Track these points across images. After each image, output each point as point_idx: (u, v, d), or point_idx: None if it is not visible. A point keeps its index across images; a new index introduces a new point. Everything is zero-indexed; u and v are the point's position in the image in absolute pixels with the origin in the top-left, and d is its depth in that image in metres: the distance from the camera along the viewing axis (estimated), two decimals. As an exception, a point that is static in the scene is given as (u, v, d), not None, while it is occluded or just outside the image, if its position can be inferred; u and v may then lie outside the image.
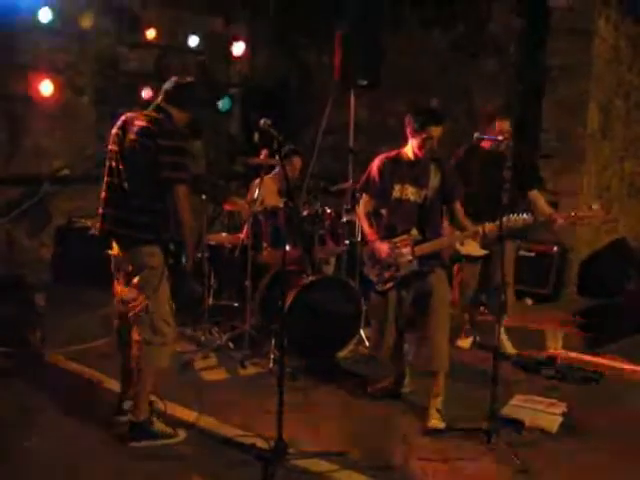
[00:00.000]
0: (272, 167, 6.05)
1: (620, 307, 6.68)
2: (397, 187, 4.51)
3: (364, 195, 4.71)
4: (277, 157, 4.00)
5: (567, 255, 7.60)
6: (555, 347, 6.05)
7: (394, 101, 8.56)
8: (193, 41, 7.81)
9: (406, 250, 4.45)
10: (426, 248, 4.45)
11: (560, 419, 4.49)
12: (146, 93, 7.24)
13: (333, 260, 6.03)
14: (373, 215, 4.69)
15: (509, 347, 5.68)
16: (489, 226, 4.38)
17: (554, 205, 7.12)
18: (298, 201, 5.88)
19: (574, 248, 7.69)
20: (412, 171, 4.50)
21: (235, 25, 8.66)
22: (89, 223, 6.61)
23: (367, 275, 4.66)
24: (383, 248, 4.48)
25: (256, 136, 5.94)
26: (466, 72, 8.27)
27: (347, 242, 5.97)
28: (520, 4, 8.07)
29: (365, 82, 6.55)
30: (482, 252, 4.74)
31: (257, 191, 5.60)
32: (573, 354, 5.90)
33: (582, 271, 7.89)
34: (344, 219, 5.89)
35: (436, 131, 4.36)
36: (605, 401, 4.95)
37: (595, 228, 7.98)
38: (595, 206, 4.63)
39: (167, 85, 4.09)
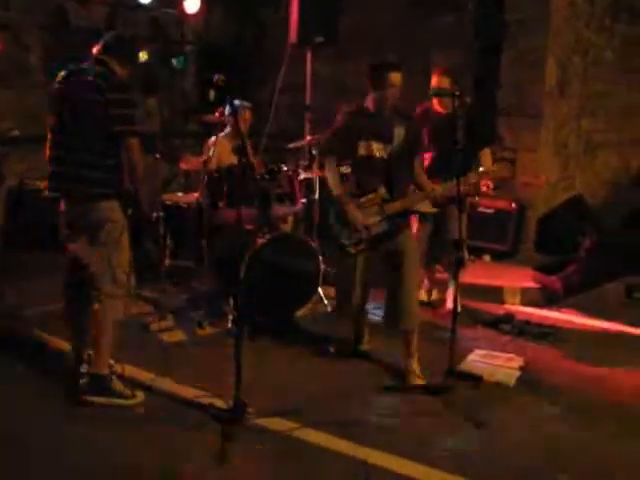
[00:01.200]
0: (225, 125, 5.91)
1: (578, 263, 6.74)
2: (362, 144, 4.39)
3: (329, 154, 4.57)
4: (229, 112, 3.90)
5: (525, 212, 7.64)
6: (513, 302, 6.11)
7: (351, 58, 8.46)
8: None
9: (375, 210, 4.38)
10: (395, 207, 4.38)
11: (517, 373, 4.54)
12: (96, 50, 7.04)
13: (291, 219, 5.96)
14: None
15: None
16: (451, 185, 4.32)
17: (512, 162, 7.17)
18: (252, 158, 5.77)
19: (532, 205, 7.73)
20: (376, 126, 4.39)
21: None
22: (42, 185, 6.43)
23: (337, 237, 4.51)
24: (354, 210, 4.37)
25: (211, 94, 5.80)
26: (424, 28, 8.18)
27: (304, 200, 5.91)
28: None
29: (322, 39, 6.42)
30: (434, 210, 4.67)
31: (212, 149, 5.49)
32: (531, 309, 5.97)
33: (539, 228, 7.95)
34: (301, 177, 5.82)
35: (396, 78, 4.28)
36: (561, 356, 5.02)
37: (553, 185, 8.03)
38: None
39: (107, 37, 3.98)
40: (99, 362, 3.98)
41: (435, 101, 5.40)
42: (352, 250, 4.46)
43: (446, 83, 5.21)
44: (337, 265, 4.95)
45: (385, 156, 4.39)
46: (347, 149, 4.44)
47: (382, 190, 4.38)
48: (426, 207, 4.56)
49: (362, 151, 4.40)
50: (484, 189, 5.00)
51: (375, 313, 5.22)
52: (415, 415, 3.99)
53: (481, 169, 4.72)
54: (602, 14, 9.39)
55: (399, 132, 4.40)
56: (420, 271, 5.69)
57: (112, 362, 4.10)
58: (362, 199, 4.41)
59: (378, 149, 4.38)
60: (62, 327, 4.36)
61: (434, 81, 5.29)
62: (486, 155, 5.41)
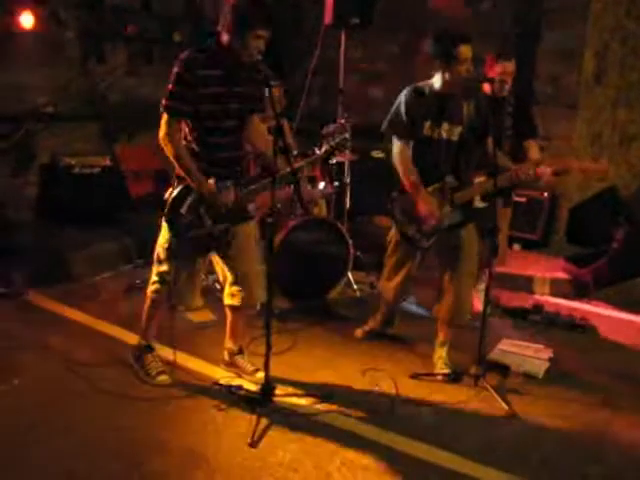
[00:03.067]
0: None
1: (609, 255, 6.67)
2: (428, 125, 4.12)
3: (395, 138, 4.22)
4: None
5: (557, 201, 7.55)
6: (543, 293, 6.06)
7: (386, 41, 8.41)
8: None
9: (445, 200, 4.17)
10: (465, 196, 4.19)
11: (546, 364, 4.51)
12: (131, 29, 7.07)
13: (323, 202, 5.95)
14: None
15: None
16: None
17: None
18: (289, 139, 5.74)
19: (565, 194, 7.64)
20: (444, 106, 4.09)
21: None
22: (73, 162, 6.48)
23: (404, 232, 4.30)
24: (428, 198, 4.13)
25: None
26: (460, 14, 8.07)
27: (336, 184, 5.89)
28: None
29: (357, 21, 6.37)
30: (483, 204, 4.46)
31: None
32: (561, 300, 5.92)
33: (571, 218, 7.86)
34: (333, 160, 5.79)
35: (467, 51, 3.92)
36: (591, 348, 4.99)
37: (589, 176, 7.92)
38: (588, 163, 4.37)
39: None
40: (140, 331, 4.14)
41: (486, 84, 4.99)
42: (424, 244, 4.27)
43: (511, 67, 4.88)
44: (391, 255, 4.54)
45: (455, 138, 4.13)
46: (412, 131, 4.14)
47: (450, 178, 4.16)
48: (478, 202, 4.38)
49: (428, 132, 4.11)
50: (549, 178, 4.61)
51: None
52: (443, 403, 3.98)
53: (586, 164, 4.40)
54: (643, 3, 9.22)
55: (469, 111, 4.13)
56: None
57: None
58: (429, 188, 4.17)
59: (447, 131, 4.11)
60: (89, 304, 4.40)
61: (501, 66, 4.87)
62: (532, 146, 5.03)
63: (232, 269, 3.97)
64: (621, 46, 8.59)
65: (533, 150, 5.01)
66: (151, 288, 3.98)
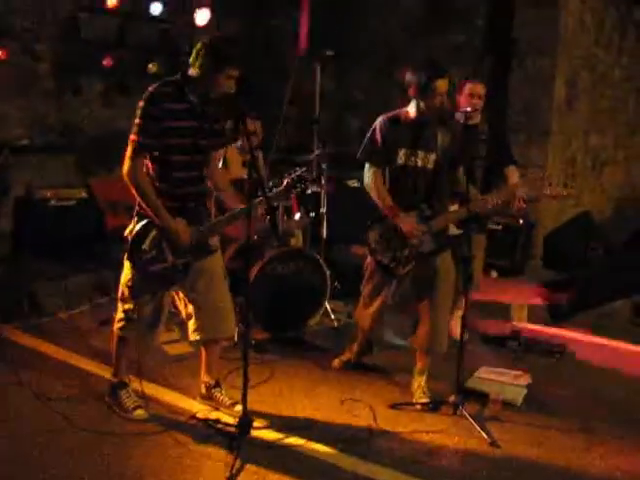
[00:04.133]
0: (236, 139, 5.91)
1: (584, 280, 6.73)
2: (403, 153, 4.15)
3: (368, 165, 4.26)
4: (240, 127, 3.89)
5: (533, 228, 7.63)
6: (520, 319, 6.09)
7: (359, 71, 8.50)
8: (156, 9, 7.61)
9: (421, 227, 4.16)
10: (440, 223, 4.20)
11: (524, 391, 4.52)
12: (107, 62, 7.08)
13: (299, 233, 5.95)
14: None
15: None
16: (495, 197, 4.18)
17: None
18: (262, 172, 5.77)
19: (540, 221, 7.72)
20: (419, 135, 4.13)
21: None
22: (49, 194, 6.45)
23: (380, 260, 4.28)
24: (409, 221, 4.13)
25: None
26: (434, 45, 8.18)
27: (312, 214, 5.90)
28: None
29: (332, 52, 6.45)
30: (458, 232, 4.47)
31: (221, 160, 5.49)
32: (538, 326, 5.95)
33: (547, 244, 7.94)
34: (309, 191, 5.80)
35: (443, 85, 3.99)
36: (568, 373, 5.01)
37: (560, 201, 8.01)
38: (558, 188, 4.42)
39: None
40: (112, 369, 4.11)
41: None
42: (400, 272, 4.26)
43: (480, 89, 4.91)
44: (367, 284, 4.54)
45: (430, 166, 4.16)
46: (386, 158, 4.19)
47: (425, 206, 4.18)
48: (453, 230, 4.37)
49: (403, 160, 4.15)
50: (520, 204, 4.65)
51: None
52: (422, 432, 3.97)
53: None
54: (610, 31, 9.42)
55: (443, 140, 4.17)
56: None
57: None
58: (411, 214, 4.19)
59: (422, 159, 4.14)
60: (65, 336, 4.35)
61: (469, 88, 4.91)
62: (513, 172, 5.10)
63: (199, 303, 3.95)
64: (591, 74, 8.76)
65: (514, 176, 5.07)
66: (117, 326, 3.96)
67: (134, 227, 3.73)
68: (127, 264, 3.79)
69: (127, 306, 3.87)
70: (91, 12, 6.99)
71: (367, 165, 4.28)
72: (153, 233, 3.69)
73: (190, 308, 4.00)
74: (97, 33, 7.14)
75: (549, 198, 4.47)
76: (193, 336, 4.04)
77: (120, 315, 3.92)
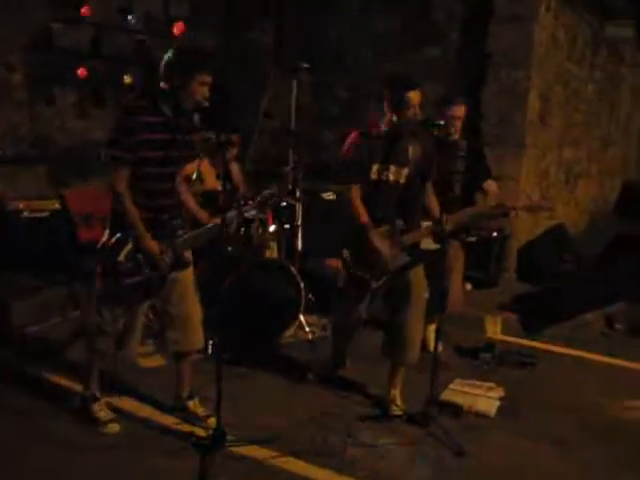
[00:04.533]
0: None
1: (557, 293, 6.78)
2: (376, 168, 4.14)
3: (350, 182, 4.22)
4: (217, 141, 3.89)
5: (507, 240, 7.67)
6: (494, 332, 6.11)
7: (335, 85, 8.53)
8: (131, 20, 7.59)
9: (394, 242, 4.17)
10: (412, 238, 4.21)
11: (498, 403, 4.54)
12: (81, 72, 7.03)
13: (274, 245, 5.94)
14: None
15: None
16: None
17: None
18: (241, 184, 5.76)
19: (514, 234, 7.78)
20: (390, 148, 4.13)
21: (176, 3, 8.46)
22: (21, 205, 6.39)
23: (353, 274, 4.25)
24: (382, 241, 4.12)
25: (196, 117, 5.80)
26: (408, 59, 8.23)
27: (288, 226, 5.90)
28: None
29: (307, 65, 6.46)
30: (435, 246, 4.37)
31: (196, 172, 5.48)
32: (511, 338, 5.98)
33: (520, 256, 7.99)
34: (284, 203, 5.81)
35: (415, 97, 4.01)
36: (541, 385, 5.03)
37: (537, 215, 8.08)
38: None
39: None
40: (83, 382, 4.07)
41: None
42: (373, 285, 4.25)
43: (461, 112, 4.95)
44: (341, 298, 4.59)
45: (402, 180, 4.18)
46: (362, 174, 4.17)
47: (398, 221, 4.17)
48: (428, 243, 4.32)
49: (376, 175, 4.14)
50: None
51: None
52: (395, 445, 3.97)
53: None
54: (583, 47, 9.56)
55: (415, 153, 4.19)
56: None
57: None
58: (382, 229, 4.17)
59: (394, 173, 4.15)
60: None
61: (450, 110, 4.92)
62: (491, 185, 5.14)
63: (172, 315, 3.94)
64: (564, 88, 8.88)
65: (493, 189, 5.11)
66: (89, 338, 3.93)
67: (109, 239, 3.71)
68: (101, 276, 3.76)
69: (100, 318, 3.84)
70: (65, 22, 6.95)
71: (347, 183, 4.24)
72: (129, 245, 3.67)
73: (163, 320, 3.98)
74: (71, 43, 7.11)
75: (526, 212, 4.53)
76: (162, 348, 4.03)
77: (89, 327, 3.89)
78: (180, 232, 3.86)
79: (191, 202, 4.03)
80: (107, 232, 3.74)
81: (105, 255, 3.68)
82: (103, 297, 3.81)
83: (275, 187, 4.04)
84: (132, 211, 3.62)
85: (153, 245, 3.67)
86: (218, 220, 3.72)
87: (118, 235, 3.67)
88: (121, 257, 3.66)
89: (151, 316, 5.39)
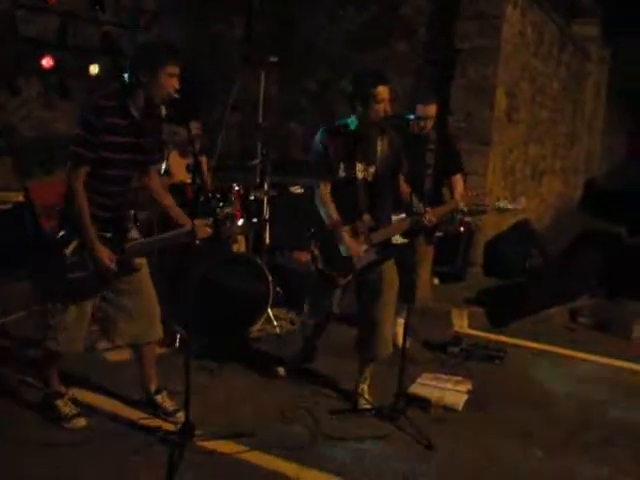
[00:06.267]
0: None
1: (523, 287, 6.86)
2: (343, 165, 4.11)
3: (320, 180, 4.19)
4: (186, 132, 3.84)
5: (473, 235, 7.73)
6: (461, 326, 6.16)
7: (305, 78, 8.51)
8: (98, 10, 7.49)
9: (361, 238, 4.17)
10: (382, 235, 4.20)
11: (466, 397, 4.57)
12: (47, 62, 6.93)
13: (242, 238, 5.92)
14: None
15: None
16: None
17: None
18: (206, 178, 5.73)
19: (480, 228, 7.84)
20: (359, 145, 4.11)
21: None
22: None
23: (321, 269, 4.25)
24: (350, 240, 4.12)
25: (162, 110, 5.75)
26: (376, 53, 8.24)
27: (255, 220, 5.88)
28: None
29: (276, 59, 6.44)
30: (404, 241, 4.43)
31: (165, 163, 5.44)
32: (478, 332, 6.04)
33: (487, 251, 8.07)
34: (252, 197, 5.79)
35: (384, 91, 3.96)
36: (508, 378, 5.09)
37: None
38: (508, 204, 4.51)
39: None
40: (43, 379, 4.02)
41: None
42: (341, 281, 4.24)
43: (432, 111, 4.96)
44: (311, 293, 4.57)
45: (369, 178, 4.16)
46: (330, 171, 4.13)
47: (367, 217, 4.17)
48: (397, 239, 4.35)
49: (344, 173, 4.11)
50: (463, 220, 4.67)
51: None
52: (365, 439, 3.97)
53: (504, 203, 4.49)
54: (550, 45, 9.67)
55: (383, 149, 4.17)
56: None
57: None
58: (346, 227, 4.15)
59: (361, 171, 4.13)
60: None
61: (421, 110, 4.93)
62: (458, 181, 5.13)
63: (127, 308, 3.89)
64: (530, 85, 8.96)
65: (459, 185, 5.12)
66: (42, 333, 3.87)
67: (58, 232, 3.67)
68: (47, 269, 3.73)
69: (50, 313, 3.79)
70: (30, 9, 6.83)
71: (317, 180, 4.22)
72: (77, 241, 3.62)
73: (116, 313, 3.93)
74: (37, 32, 7.00)
75: (497, 212, 4.57)
76: (117, 340, 4.00)
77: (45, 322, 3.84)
78: (132, 235, 3.82)
79: (169, 200, 3.97)
80: (61, 225, 3.69)
81: (52, 249, 3.64)
82: (49, 290, 3.76)
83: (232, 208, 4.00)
84: (84, 211, 3.56)
85: (101, 251, 3.61)
86: (188, 226, 3.67)
87: (65, 230, 3.63)
88: (68, 250, 3.62)
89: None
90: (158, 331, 4.04)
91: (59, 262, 3.62)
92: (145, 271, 3.95)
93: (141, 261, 3.87)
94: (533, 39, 8.83)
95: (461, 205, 4.49)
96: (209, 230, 3.75)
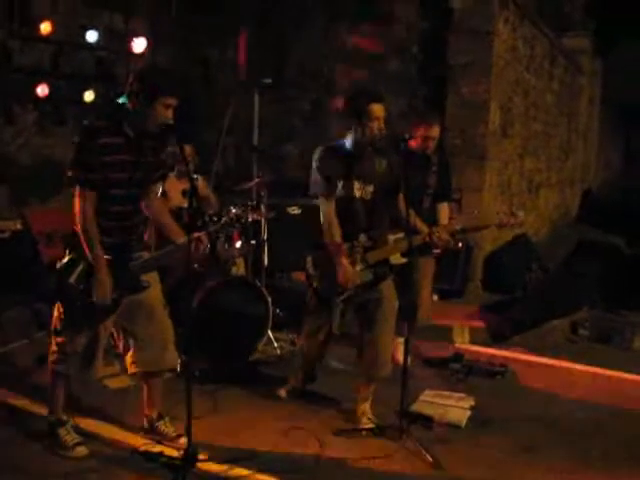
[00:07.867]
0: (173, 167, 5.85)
1: (523, 301, 6.86)
2: (341, 184, 4.09)
3: (322, 198, 4.16)
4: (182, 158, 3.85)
5: (472, 250, 7.74)
6: (462, 342, 6.15)
7: (298, 99, 8.54)
8: (91, 36, 7.52)
9: (357, 258, 4.14)
10: (377, 255, 4.19)
11: (469, 413, 4.56)
12: (42, 90, 6.95)
13: (241, 261, 5.92)
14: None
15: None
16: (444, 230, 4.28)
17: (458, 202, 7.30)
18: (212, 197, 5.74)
19: (479, 244, 7.85)
20: (356, 164, 4.10)
21: (136, 21, 8.41)
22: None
23: (317, 289, 4.26)
24: (347, 264, 4.09)
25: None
26: (371, 72, 8.29)
27: (254, 242, 5.88)
28: (423, 6, 8.14)
29: (269, 81, 6.48)
30: (403, 260, 4.32)
31: (160, 188, 5.42)
32: (479, 348, 6.02)
33: (486, 266, 8.07)
34: (249, 219, 5.79)
35: (379, 109, 3.98)
36: (510, 393, 5.07)
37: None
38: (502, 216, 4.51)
39: None
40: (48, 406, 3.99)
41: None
42: (337, 300, 4.20)
43: (435, 132, 4.99)
44: (310, 313, 4.53)
45: (368, 197, 4.15)
46: (331, 189, 4.10)
47: (363, 238, 4.16)
48: (397, 259, 4.27)
49: (342, 192, 4.10)
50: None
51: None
52: (368, 459, 3.95)
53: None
54: (541, 59, 9.72)
55: (381, 168, 4.17)
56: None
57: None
58: (344, 246, 4.12)
59: (359, 189, 4.12)
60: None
61: (424, 130, 4.96)
62: (443, 209, 5.13)
63: (141, 335, 3.88)
64: (523, 99, 9.00)
65: (443, 213, 5.12)
66: (51, 360, 3.86)
67: (62, 260, 3.67)
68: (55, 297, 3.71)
69: (59, 339, 3.78)
70: (23, 40, 6.86)
71: (321, 199, 4.18)
72: (81, 267, 3.62)
73: (128, 341, 3.92)
74: (30, 61, 7.02)
75: (497, 227, 4.59)
76: (131, 369, 3.98)
77: (54, 349, 3.82)
78: (137, 254, 3.81)
79: (166, 218, 3.96)
80: (67, 252, 3.69)
81: (57, 276, 3.64)
82: (59, 318, 3.75)
83: (240, 207, 4.00)
84: (94, 238, 3.57)
85: (105, 281, 3.59)
86: (184, 240, 3.68)
87: (69, 256, 3.64)
88: (72, 278, 3.62)
89: (116, 335, 5.35)
90: (172, 358, 4.02)
91: (65, 288, 3.61)
92: (157, 296, 3.94)
93: (150, 283, 3.85)
94: (525, 53, 8.89)
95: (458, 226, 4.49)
96: (205, 239, 3.75)
